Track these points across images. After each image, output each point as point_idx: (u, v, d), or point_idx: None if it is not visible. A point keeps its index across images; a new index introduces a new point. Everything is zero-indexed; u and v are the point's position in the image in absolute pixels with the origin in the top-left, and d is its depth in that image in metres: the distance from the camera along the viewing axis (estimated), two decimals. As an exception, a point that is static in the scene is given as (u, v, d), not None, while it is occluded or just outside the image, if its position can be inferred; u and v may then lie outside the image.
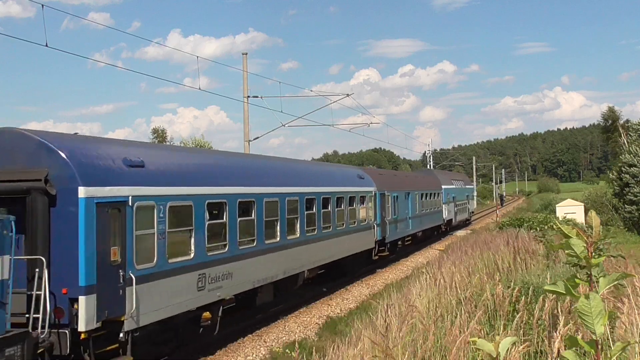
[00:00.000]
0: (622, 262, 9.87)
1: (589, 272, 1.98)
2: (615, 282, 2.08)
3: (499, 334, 7.42)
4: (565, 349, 4.64)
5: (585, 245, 1.96)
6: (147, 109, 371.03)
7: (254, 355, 15.41)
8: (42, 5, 15.53)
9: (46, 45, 16.15)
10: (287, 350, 13.99)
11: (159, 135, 68.73)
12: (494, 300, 8.31)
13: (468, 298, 8.81)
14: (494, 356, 2.25)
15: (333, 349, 8.65)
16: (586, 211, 49.73)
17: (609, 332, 5.65)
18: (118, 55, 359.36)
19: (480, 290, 9.22)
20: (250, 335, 17.22)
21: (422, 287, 10.60)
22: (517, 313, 7.72)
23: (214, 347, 15.78)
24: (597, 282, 1.96)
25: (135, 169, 12.27)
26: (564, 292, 2.03)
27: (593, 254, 1.97)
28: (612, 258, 9.33)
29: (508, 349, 2.82)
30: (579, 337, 2.37)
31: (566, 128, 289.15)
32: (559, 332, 5.49)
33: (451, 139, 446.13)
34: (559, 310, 6.84)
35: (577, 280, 2.01)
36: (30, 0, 15.81)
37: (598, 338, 2.03)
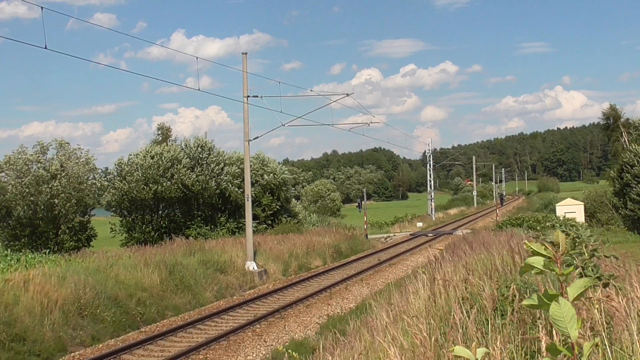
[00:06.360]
0: (621, 262, 9.88)
1: (560, 284, 2.10)
2: (586, 288, 2.15)
3: (498, 333, 7.48)
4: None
5: (552, 260, 2.08)
6: (149, 108, 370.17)
7: (254, 355, 15.47)
8: (42, 8, 15.57)
9: (45, 48, 16.19)
10: (288, 350, 14.04)
11: (164, 132, 68.81)
12: (491, 300, 8.35)
13: (465, 298, 8.86)
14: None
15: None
16: (586, 210, 49.76)
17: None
18: (122, 55, 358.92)
19: (477, 290, 9.25)
20: (250, 335, 17.29)
21: (416, 289, 10.63)
22: (515, 314, 7.76)
23: (214, 347, 15.85)
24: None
25: None
26: (540, 305, 2.09)
27: (563, 267, 2.10)
28: (612, 258, 9.35)
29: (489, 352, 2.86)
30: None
31: (566, 127, 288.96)
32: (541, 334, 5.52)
33: (451, 138, 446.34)
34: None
35: (550, 293, 2.09)
36: (30, 2, 15.77)
37: (573, 341, 2.11)
